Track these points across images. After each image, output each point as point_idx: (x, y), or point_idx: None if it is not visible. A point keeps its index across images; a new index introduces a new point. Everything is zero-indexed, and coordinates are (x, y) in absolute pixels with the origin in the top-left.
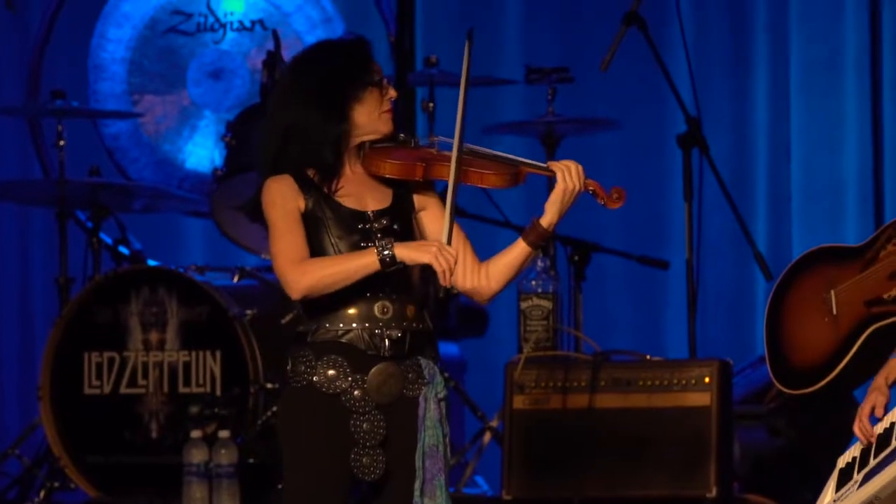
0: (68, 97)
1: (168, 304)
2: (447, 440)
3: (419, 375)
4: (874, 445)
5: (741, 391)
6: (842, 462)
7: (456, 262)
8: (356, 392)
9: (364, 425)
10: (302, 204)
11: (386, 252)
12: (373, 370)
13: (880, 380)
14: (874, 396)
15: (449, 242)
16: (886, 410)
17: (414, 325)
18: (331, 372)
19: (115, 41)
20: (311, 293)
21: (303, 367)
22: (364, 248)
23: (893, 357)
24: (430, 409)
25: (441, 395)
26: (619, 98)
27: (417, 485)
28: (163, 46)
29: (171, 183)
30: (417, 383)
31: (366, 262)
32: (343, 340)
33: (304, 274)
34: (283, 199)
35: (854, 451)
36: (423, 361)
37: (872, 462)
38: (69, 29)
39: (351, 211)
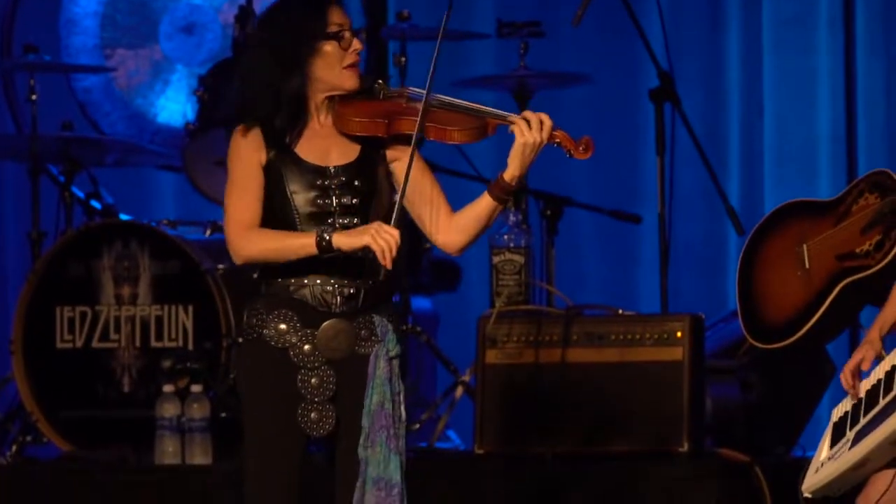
0: (40, 51)
1: (140, 258)
2: (399, 398)
3: (371, 333)
4: (864, 401)
5: (713, 345)
6: (835, 415)
7: (398, 244)
8: (306, 347)
9: (313, 380)
10: (264, 157)
11: (325, 236)
12: (323, 325)
13: (874, 333)
14: (864, 349)
15: (396, 226)
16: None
17: (369, 282)
18: (281, 326)
19: None
20: (252, 262)
21: (255, 320)
22: (321, 203)
23: (885, 309)
24: (381, 367)
25: (392, 354)
26: (592, 53)
27: (362, 440)
28: (135, 1)
29: (143, 137)
30: (370, 341)
31: (304, 242)
32: (295, 296)
33: (249, 242)
34: (245, 152)
35: (846, 405)
36: (376, 318)
37: (863, 420)
38: None
39: (312, 166)
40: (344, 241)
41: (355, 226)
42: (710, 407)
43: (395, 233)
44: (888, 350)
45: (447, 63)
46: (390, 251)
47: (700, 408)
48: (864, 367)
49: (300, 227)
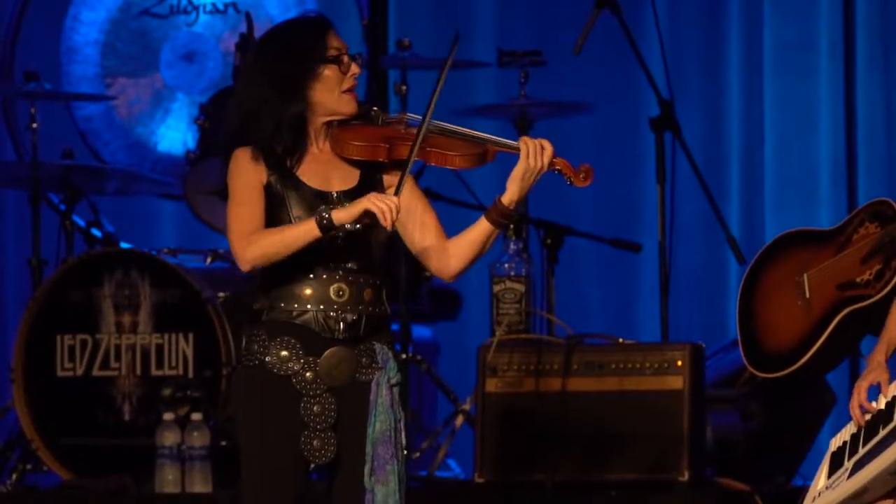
0: (41, 79)
1: (141, 286)
2: (400, 425)
3: (372, 360)
4: (863, 431)
5: (714, 375)
6: (833, 445)
7: (398, 208)
8: (308, 374)
9: (315, 408)
10: (265, 177)
11: (324, 215)
12: (325, 353)
13: (880, 356)
14: (875, 375)
15: (396, 193)
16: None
17: (370, 308)
18: (283, 353)
19: (88, 23)
20: (258, 263)
21: (256, 347)
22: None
23: (888, 330)
24: (382, 395)
25: (394, 381)
26: (592, 81)
27: (367, 469)
28: (136, 29)
29: (143, 165)
30: (370, 368)
31: (307, 228)
32: (297, 322)
33: (251, 244)
34: (245, 170)
35: (845, 434)
36: (377, 346)
37: (862, 450)
38: (42, 11)
39: (314, 191)
40: (343, 214)
41: (359, 262)
42: (710, 436)
43: (396, 199)
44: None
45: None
46: (390, 212)
47: (700, 437)
48: (884, 391)
49: (304, 251)
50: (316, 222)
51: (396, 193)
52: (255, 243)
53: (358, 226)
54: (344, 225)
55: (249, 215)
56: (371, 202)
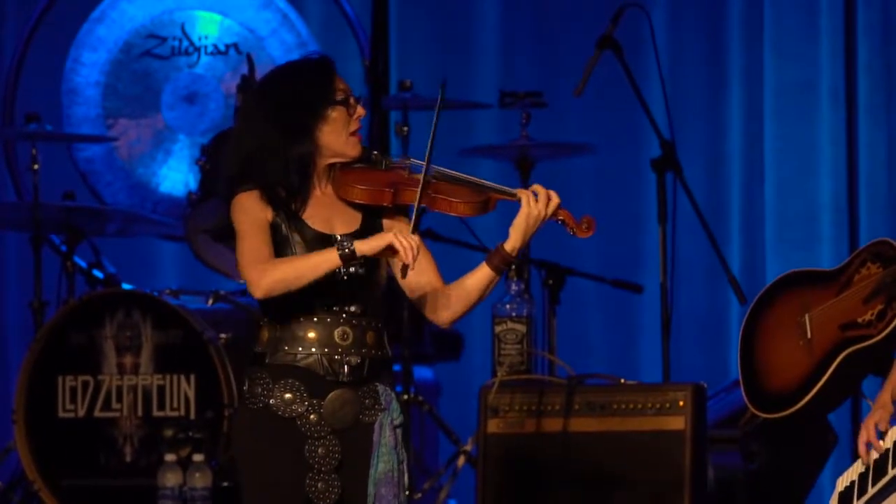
0: (42, 121)
1: (142, 327)
2: (403, 467)
3: (376, 402)
4: (871, 470)
5: (715, 415)
6: (840, 485)
7: (418, 249)
8: (312, 416)
9: (319, 450)
10: (270, 216)
11: (346, 245)
12: (330, 395)
13: (886, 396)
14: (879, 414)
15: (413, 232)
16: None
17: (373, 351)
18: (287, 395)
19: (89, 65)
20: (274, 291)
21: (259, 389)
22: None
23: (893, 374)
24: (386, 436)
25: (397, 422)
26: (594, 122)
27: None
28: (137, 70)
29: (145, 207)
30: (374, 409)
31: (326, 257)
32: (301, 365)
33: (266, 271)
34: (252, 208)
35: (852, 474)
36: (380, 388)
37: (871, 490)
38: (43, 53)
39: (318, 233)
40: (366, 246)
41: (362, 306)
42: (712, 476)
43: (418, 239)
44: None
45: (449, 132)
46: (412, 250)
47: (702, 477)
48: (882, 428)
49: (307, 294)
50: (338, 251)
51: (412, 231)
52: (272, 270)
53: (360, 270)
54: (363, 256)
55: (261, 247)
56: (396, 238)
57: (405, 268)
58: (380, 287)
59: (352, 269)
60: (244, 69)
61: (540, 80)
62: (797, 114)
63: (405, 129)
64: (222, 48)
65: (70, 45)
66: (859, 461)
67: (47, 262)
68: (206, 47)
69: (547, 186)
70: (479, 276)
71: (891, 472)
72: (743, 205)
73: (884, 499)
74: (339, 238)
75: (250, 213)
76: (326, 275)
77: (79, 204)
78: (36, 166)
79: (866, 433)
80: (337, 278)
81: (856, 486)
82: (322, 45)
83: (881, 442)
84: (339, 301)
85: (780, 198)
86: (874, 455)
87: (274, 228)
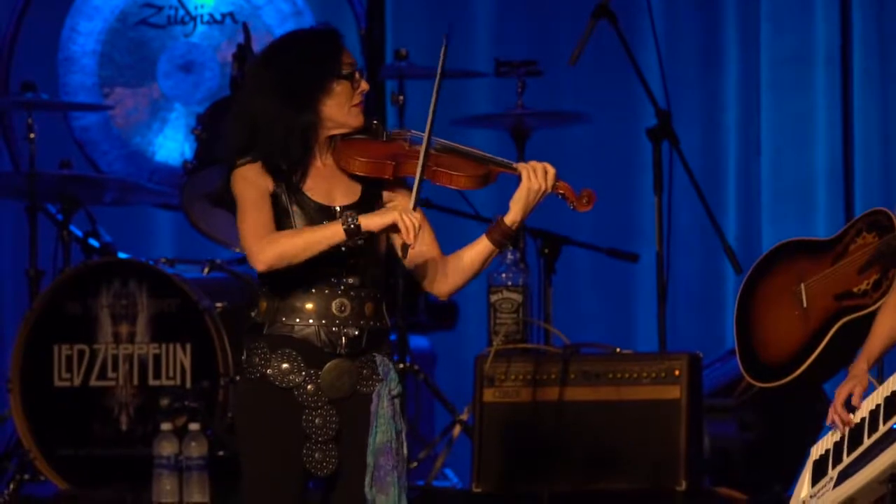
0: (38, 90)
1: (138, 296)
2: (402, 437)
3: (373, 372)
4: (846, 440)
5: (711, 384)
6: (815, 453)
7: (420, 226)
8: (309, 387)
9: (316, 420)
10: (271, 186)
11: (350, 220)
12: (327, 366)
13: (861, 365)
14: (852, 384)
15: (414, 209)
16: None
17: (371, 323)
18: (284, 365)
19: (85, 34)
20: (277, 264)
21: (257, 359)
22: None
23: (870, 341)
24: (384, 406)
25: (395, 392)
26: (589, 91)
27: (367, 479)
28: (133, 39)
29: (141, 175)
30: (371, 380)
31: (332, 231)
32: (298, 336)
33: (269, 244)
34: (254, 180)
35: (827, 443)
36: (378, 358)
37: (846, 459)
38: (39, 21)
39: (318, 205)
40: (371, 220)
41: (360, 277)
42: (707, 445)
43: (420, 217)
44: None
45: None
46: (415, 230)
47: (698, 446)
48: (855, 402)
49: (306, 265)
50: (343, 227)
51: (412, 207)
52: (274, 244)
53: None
54: (370, 232)
55: (263, 219)
56: (401, 216)
57: (405, 247)
58: (379, 259)
59: (359, 244)
60: (240, 38)
61: (535, 49)
62: (793, 83)
63: (401, 98)
64: (218, 17)
65: (66, 13)
66: (834, 430)
67: (43, 231)
68: (202, 16)
69: (542, 156)
70: (479, 249)
71: (866, 442)
72: (739, 174)
73: (860, 468)
74: (342, 212)
75: (252, 183)
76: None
77: (75, 173)
78: (32, 135)
79: (836, 402)
80: (335, 250)
81: (830, 455)
82: (318, 14)
83: (851, 416)
84: (338, 273)
85: (775, 167)
86: (847, 426)
87: (274, 199)
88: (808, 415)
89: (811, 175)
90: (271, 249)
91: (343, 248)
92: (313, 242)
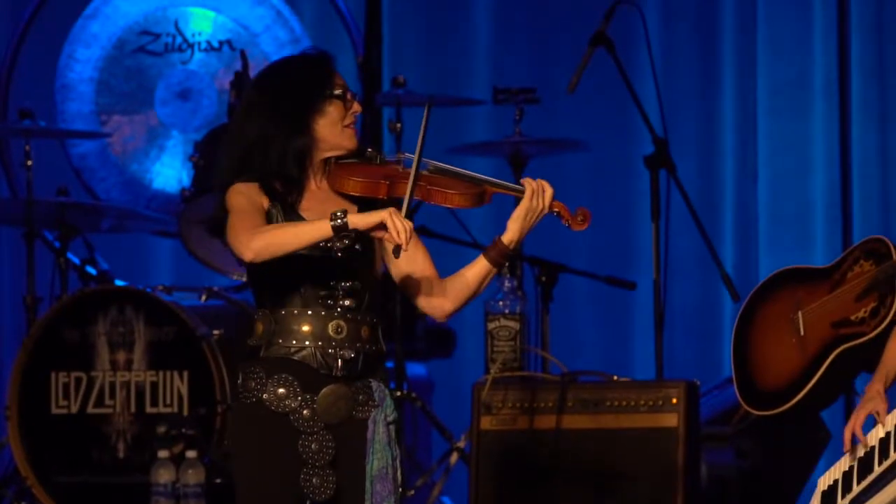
0: (36, 117)
1: (135, 324)
2: (398, 463)
3: (369, 398)
4: (856, 468)
5: (708, 412)
6: (823, 484)
7: (410, 232)
8: (305, 412)
9: (313, 445)
10: (266, 204)
11: (339, 216)
12: (323, 391)
13: (878, 385)
14: (873, 404)
15: (405, 215)
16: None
17: (367, 346)
18: (281, 390)
19: (83, 61)
20: (263, 252)
21: (253, 384)
22: (325, 265)
23: (885, 362)
24: (379, 432)
25: (391, 418)
26: (587, 119)
27: None
28: (131, 66)
29: (138, 203)
30: (367, 405)
31: (318, 226)
32: (295, 358)
33: (257, 233)
34: (249, 194)
35: (835, 473)
36: (374, 383)
37: (857, 488)
38: (37, 49)
39: None
40: (359, 219)
41: (357, 300)
42: (704, 473)
43: (411, 224)
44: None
45: (443, 129)
46: (405, 232)
47: (695, 474)
48: (881, 422)
49: (302, 287)
50: (330, 222)
51: (404, 214)
52: (262, 234)
53: (357, 245)
54: (355, 231)
55: (252, 220)
56: (389, 216)
57: (398, 248)
58: (376, 282)
59: (345, 243)
60: (238, 66)
61: (533, 76)
62: (790, 110)
63: (398, 125)
64: (216, 45)
65: (64, 41)
66: (841, 460)
67: (40, 258)
68: (199, 44)
69: None
70: (477, 269)
71: (877, 470)
72: (736, 202)
73: (871, 496)
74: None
75: (247, 197)
76: (321, 266)
77: (72, 200)
78: (29, 162)
79: (854, 422)
80: (334, 271)
81: (839, 485)
82: (315, 41)
83: (866, 437)
84: (335, 296)
85: (773, 195)
86: (859, 451)
87: (268, 216)
88: (805, 443)
89: (809, 203)
90: (260, 238)
91: (338, 254)
92: (301, 234)
